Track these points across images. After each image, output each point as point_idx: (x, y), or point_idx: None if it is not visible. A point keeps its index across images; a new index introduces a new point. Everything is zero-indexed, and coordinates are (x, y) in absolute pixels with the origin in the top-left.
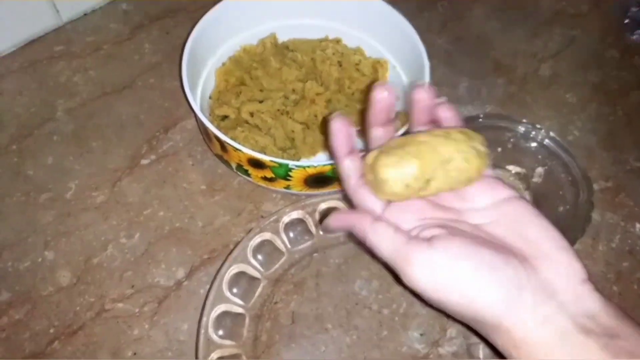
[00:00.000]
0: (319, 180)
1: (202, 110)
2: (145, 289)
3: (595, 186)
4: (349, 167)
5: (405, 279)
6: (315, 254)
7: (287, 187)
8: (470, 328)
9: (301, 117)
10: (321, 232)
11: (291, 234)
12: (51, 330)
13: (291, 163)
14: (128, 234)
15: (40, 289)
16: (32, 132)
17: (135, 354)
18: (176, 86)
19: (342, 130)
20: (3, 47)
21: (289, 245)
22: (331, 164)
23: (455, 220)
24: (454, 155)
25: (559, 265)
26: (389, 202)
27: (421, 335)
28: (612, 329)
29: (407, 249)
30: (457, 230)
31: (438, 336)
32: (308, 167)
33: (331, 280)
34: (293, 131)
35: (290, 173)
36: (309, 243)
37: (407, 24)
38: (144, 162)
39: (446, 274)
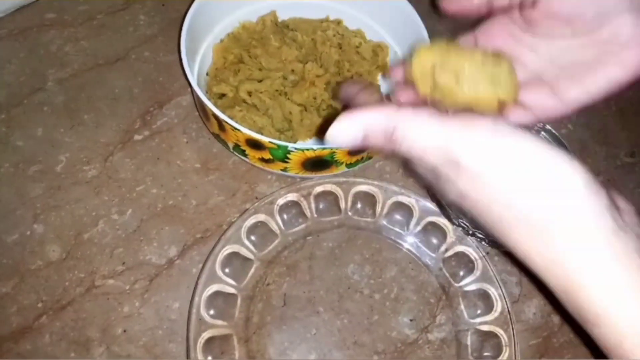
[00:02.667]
0: (316, 164)
1: (199, 87)
2: (136, 266)
3: None
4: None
5: (457, 172)
6: (309, 237)
7: (284, 169)
8: (459, 315)
9: (300, 99)
10: (315, 215)
11: (285, 216)
12: (39, 305)
13: (290, 145)
14: (120, 210)
15: (28, 262)
16: (22, 101)
17: (125, 331)
18: (172, 60)
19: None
20: None
21: (283, 228)
22: (330, 148)
23: None
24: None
25: None
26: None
27: (411, 320)
28: None
29: (467, 133)
30: None
31: (428, 322)
32: (307, 150)
33: (324, 263)
34: (291, 112)
35: (288, 155)
36: (303, 226)
37: (411, 8)
38: (137, 137)
39: (522, 156)
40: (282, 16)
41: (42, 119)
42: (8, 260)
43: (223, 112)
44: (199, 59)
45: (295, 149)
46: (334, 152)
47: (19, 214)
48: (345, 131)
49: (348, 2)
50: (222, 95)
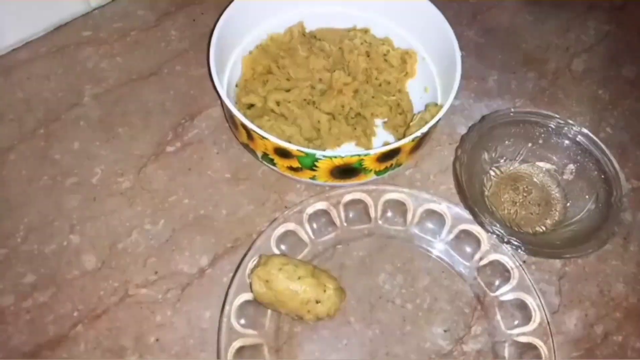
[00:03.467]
0: (345, 172)
1: (228, 98)
2: (168, 275)
3: (627, 185)
4: None
5: None
6: (338, 246)
7: (313, 178)
8: (496, 326)
9: (327, 108)
10: (345, 224)
11: (315, 225)
12: (75, 314)
13: (318, 153)
14: (153, 221)
15: (65, 272)
16: (60, 116)
17: (157, 340)
18: (202, 74)
19: None
20: (32, 32)
21: (312, 237)
22: (358, 155)
23: None
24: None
25: None
26: None
27: (445, 331)
28: None
29: None
30: None
31: (462, 333)
32: (335, 157)
33: (355, 273)
34: (319, 121)
35: (316, 163)
36: (332, 235)
37: (439, 14)
38: (170, 149)
39: None
40: (310, 26)
41: (78, 133)
42: (46, 270)
43: (252, 122)
44: (228, 71)
45: (323, 156)
46: (362, 160)
47: (56, 225)
48: None
49: (376, 11)
50: (251, 106)
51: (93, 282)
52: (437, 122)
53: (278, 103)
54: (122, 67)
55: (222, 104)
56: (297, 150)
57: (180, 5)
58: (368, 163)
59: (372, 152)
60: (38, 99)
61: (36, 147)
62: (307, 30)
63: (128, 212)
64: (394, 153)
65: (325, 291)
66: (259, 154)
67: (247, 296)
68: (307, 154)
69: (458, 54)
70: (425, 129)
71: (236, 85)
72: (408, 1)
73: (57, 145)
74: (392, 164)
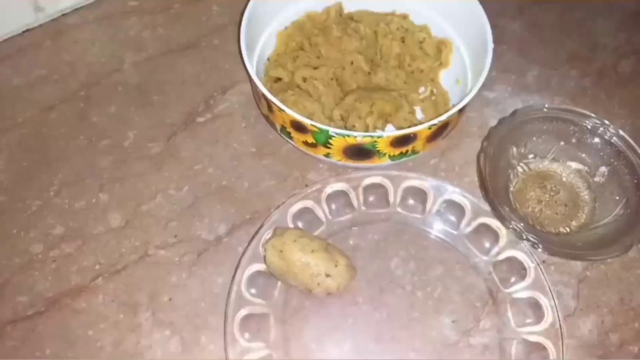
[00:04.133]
0: (358, 152)
1: (258, 71)
2: (187, 239)
3: None
4: None
5: None
6: (354, 228)
7: (327, 155)
8: (506, 323)
9: (353, 89)
10: (363, 207)
11: (333, 205)
12: (97, 267)
13: (331, 130)
14: (177, 186)
15: (91, 227)
16: (100, 81)
17: (170, 299)
18: (238, 49)
19: None
20: (81, 0)
21: (329, 216)
22: (371, 137)
23: None
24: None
25: None
26: None
27: (453, 322)
28: None
29: None
30: None
31: (471, 325)
32: (348, 136)
33: (367, 255)
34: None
35: (330, 140)
36: (349, 216)
37: (479, 7)
38: (200, 119)
39: None
40: (349, 8)
41: (116, 98)
42: (74, 224)
43: (276, 95)
44: (260, 44)
45: (336, 133)
46: (376, 142)
47: (87, 183)
48: None
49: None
50: (278, 80)
51: (116, 239)
52: (457, 112)
53: (305, 79)
54: (163, 37)
55: (249, 75)
56: (311, 124)
57: None
58: (382, 146)
59: (384, 134)
60: (82, 62)
61: (76, 108)
62: (345, 12)
63: (155, 177)
64: (409, 139)
65: (336, 266)
66: (278, 127)
67: (259, 267)
68: (320, 130)
69: (490, 45)
70: (443, 117)
71: (268, 59)
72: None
73: (96, 108)
74: (407, 150)
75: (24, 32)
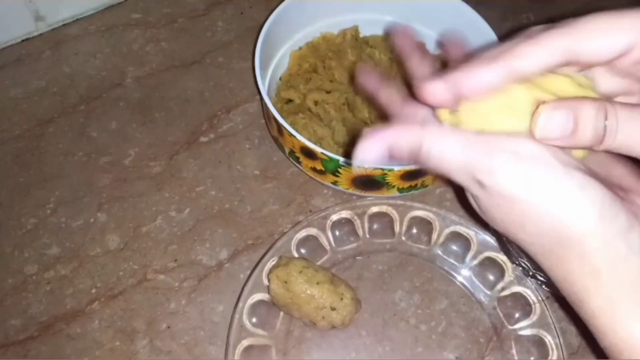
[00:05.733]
0: (367, 183)
1: (269, 90)
2: (187, 264)
3: None
4: (418, 66)
5: (483, 192)
6: (358, 257)
7: (335, 183)
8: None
9: (365, 116)
10: (368, 236)
11: (337, 233)
12: (93, 291)
13: (342, 160)
14: (178, 208)
15: (88, 248)
16: (101, 95)
17: (169, 327)
18: (244, 67)
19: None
20: (83, 10)
21: (333, 244)
22: (381, 169)
23: None
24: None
25: None
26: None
27: (457, 358)
28: None
29: (488, 156)
30: None
31: None
32: (358, 167)
33: (372, 286)
34: (354, 128)
35: (339, 169)
36: (354, 245)
37: (491, 32)
38: (203, 139)
39: (539, 183)
40: (365, 32)
41: (117, 113)
42: (70, 244)
43: (286, 117)
44: (273, 63)
45: (347, 164)
46: (386, 174)
47: (85, 201)
48: (370, 150)
49: (431, 25)
50: (290, 101)
51: (114, 262)
52: None
53: (316, 103)
54: (166, 52)
55: (260, 95)
56: (322, 153)
57: None
58: (392, 179)
59: (396, 167)
60: (82, 75)
61: (75, 123)
62: (361, 36)
63: (155, 197)
64: (420, 173)
65: (342, 299)
66: (287, 151)
67: (261, 296)
68: (330, 159)
69: None
70: None
71: (280, 79)
72: (463, 19)
73: (96, 123)
74: (417, 184)
75: (22, 41)
